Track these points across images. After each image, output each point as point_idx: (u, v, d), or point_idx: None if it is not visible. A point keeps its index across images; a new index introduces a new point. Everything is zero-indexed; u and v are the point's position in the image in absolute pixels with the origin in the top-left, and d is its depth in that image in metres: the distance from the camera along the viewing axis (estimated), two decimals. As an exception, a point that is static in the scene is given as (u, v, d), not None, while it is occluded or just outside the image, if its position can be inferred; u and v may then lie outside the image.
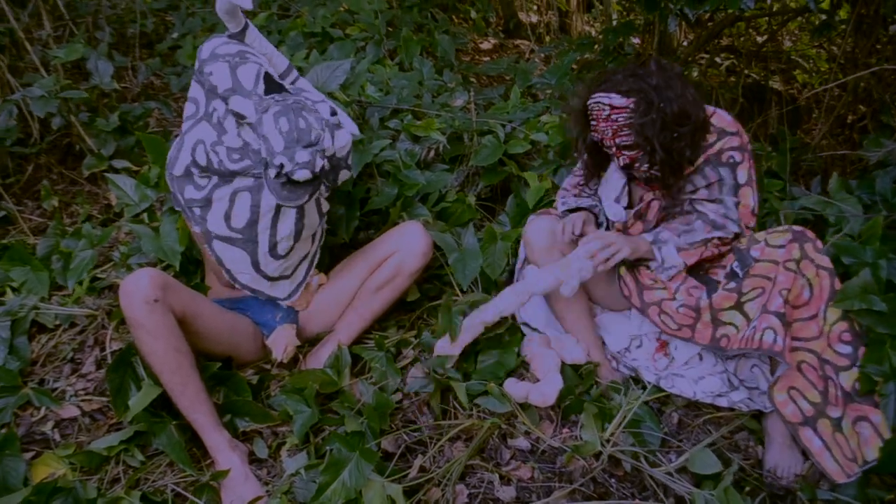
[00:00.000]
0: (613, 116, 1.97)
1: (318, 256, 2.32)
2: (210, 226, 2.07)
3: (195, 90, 2.12)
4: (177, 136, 2.20)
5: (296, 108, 1.91)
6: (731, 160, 2.09)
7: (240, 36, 2.17)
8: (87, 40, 3.88)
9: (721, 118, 2.12)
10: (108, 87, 2.99)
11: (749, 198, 2.11)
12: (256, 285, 2.19)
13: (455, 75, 3.51)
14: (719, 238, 2.09)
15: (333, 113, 2.09)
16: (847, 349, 1.95)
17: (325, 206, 2.22)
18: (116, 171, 2.97)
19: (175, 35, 4.40)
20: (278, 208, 2.05)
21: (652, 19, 3.34)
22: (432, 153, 2.74)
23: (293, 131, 1.86)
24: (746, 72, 4.43)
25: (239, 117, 1.97)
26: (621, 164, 2.09)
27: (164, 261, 2.29)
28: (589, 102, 2.02)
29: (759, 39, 4.48)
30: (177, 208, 2.11)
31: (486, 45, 5.14)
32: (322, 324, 2.37)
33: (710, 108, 2.12)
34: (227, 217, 2.06)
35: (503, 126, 2.80)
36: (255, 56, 2.11)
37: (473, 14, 5.15)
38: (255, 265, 2.13)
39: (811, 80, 4.42)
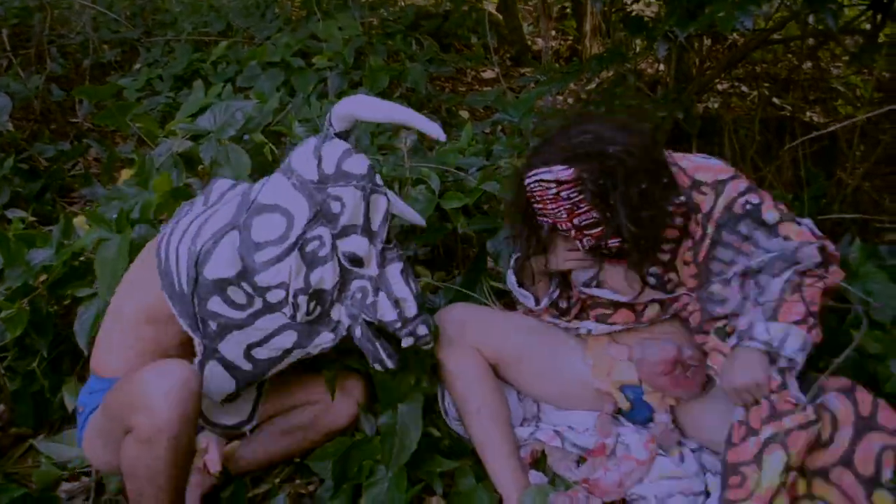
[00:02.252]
0: (564, 194, 1.53)
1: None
2: (222, 346, 1.55)
3: (293, 201, 1.54)
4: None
5: (407, 263, 1.62)
6: (748, 206, 1.54)
7: (346, 135, 1.68)
8: (32, 72, 3.60)
9: (707, 168, 1.60)
10: (1, 126, 2.59)
11: (793, 228, 1.52)
12: (219, 419, 1.68)
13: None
14: (804, 273, 1.48)
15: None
16: None
17: None
18: (9, 221, 2.57)
19: (138, 66, 4.07)
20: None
21: (653, 45, 2.80)
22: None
23: (418, 294, 1.60)
24: (779, 102, 3.85)
25: (353, 262, 1.56)
26: (586, 247, 1.61)
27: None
28: (527, 183, 1.58)
29: (804, 66, 3.89)
30: (165, 293, 1.50)
31: (488, 75, 4.67)
32: None
33: (690, 159, 1.62)
34: (252, 346, 1.57)
35: (441, 174, 2.28)
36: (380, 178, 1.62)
37: (474, 41, 4.69)
38: (232, 396, 1.64)
39: (857, 113, 3.80)
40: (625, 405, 1.71)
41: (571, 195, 1.52)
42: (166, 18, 4.92)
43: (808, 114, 3.79)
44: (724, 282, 1.58)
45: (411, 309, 1.57)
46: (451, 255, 2.40)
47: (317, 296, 1.53)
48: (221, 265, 1.47)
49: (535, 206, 1.60)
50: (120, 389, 1.41)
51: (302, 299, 1.51)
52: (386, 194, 1.59)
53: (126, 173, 2.50)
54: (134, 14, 4.96)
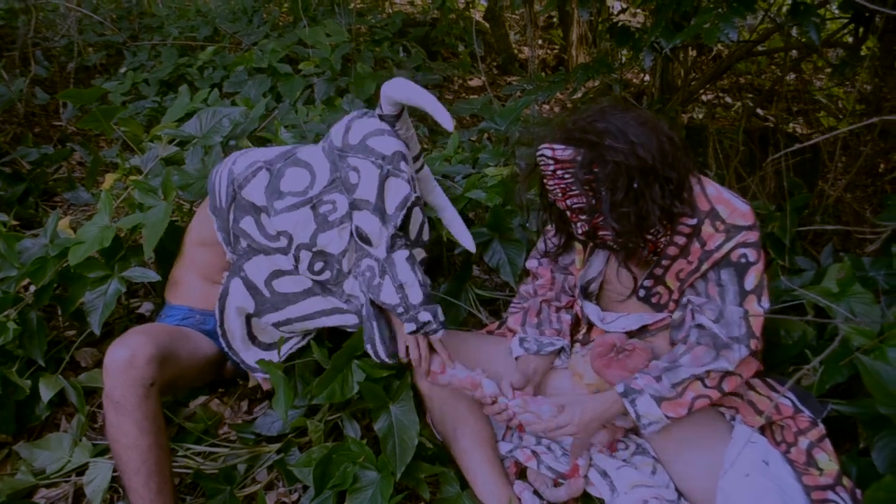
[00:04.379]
0: (559, 172, 1.52)
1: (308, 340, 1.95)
2: (247, 268, 1.75)
3: (319, 163, 1.66)
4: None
5: (415, 255, 1.66)
6: (743, 259, 1.56)
7: (392, 119, 1.70)
8: (16, 75, 3.57)
9: (733, 209, 1.57)
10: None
11: (755, 308, 1.58)
12: (233, 335, 1.86)
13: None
14: (719, 374, 1.55)
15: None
16: None
17: None
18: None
19: (124, 70, 4.05)
20: (331, 314, 1.76)
21: (640, 55, 2.81)
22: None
23: (425, 284, 1.62)
24: (763, 113, 3.89)
25: (362, 239, 1.63)
26: (580, 231, 1.59)
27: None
28: (536, 155, 1.57)
29: (787, 78, 3.92)
30: (210, 212, 1.77)
31: (475, 83, 4.68)
32: None
33: (719, 190, 1.60)
34: (273, 276, 1.74)
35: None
36: (407, 164, 1.65)
37: (462, 49, 4.70)
38: (249, 316, 1.84)
39: (840, 124, 3.83)
40: None
41: (565, 176, 1.52)
42: (153, 22, 4.90)
43: (791, 125, 3.82)
44: (683, 307, 1.63)
45: (416, 296, 1.58)
46: (436, 263, 2.40)
47: (322, 257, 1.62)
48: (256, 194, 1.66)
49: (543, 180, 1.60)
50: None
51: (305, 255, 1.62)
52: (410, 183, 1.61)
53: (110, 178, 2.48)
54: (120, 17, 4.94)
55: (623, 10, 3.99)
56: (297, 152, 1.71)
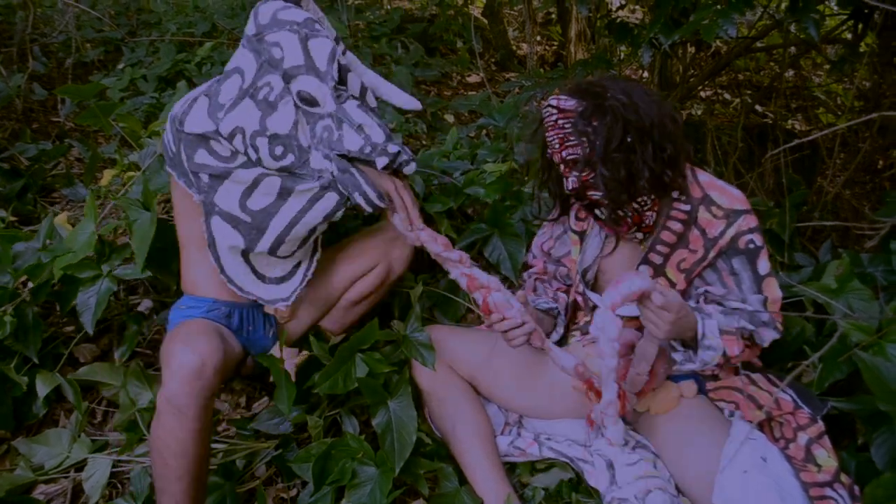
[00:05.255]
0: (561, 122, 1.56)
1: (316, 259, 1.94)
2: (217, 200, 1.71)
3: (244, 59, 1.66)
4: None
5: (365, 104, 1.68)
6: (751, 245, 1.60)
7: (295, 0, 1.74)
8: (14, 71, 3.56)
9: (728, 195, 1.61)
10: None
11: (775, 291, 1.62)
12: (241, 279, 1.82)
13: (397, 115, 3.00)
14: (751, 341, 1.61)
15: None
16: None
17: None
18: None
19: (122, 66, 4.04)
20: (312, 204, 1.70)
21: (639, 52, 2.81)
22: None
23: (384, 126, 1.63)
24: (761, 110, 3.89)
25: (307, 102, 1.62)
26: (570, 186, 1.59)
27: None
28: (542, 110, 1.62)
29: (786, 75, 3.91)
30: (168, 168, 1.74)
31: (473, 79, 4.68)
32: (293, 333, 2.01)
33: (711, 177, 1.64)
34: (244, 197, 1.71)
35: (426, 178, 2.28)
36: (323, 28, 1.68)
37: (460, 45, 4.70)
38: (245, 254, 1.79)
39: (839, 121, 3.83)
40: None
41: (566, 126, 1.55)
42: (151, 18, 4.88)
43: (789, 122, 3.83)
44: (695, 298, 1.64)
45: (378, 135, 1.60)
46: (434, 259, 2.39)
47: (278, 140, 1.61)
48: (197, 122, 1.63)
49: (546, 136, 1.61)
50: (165, 342, 1.60)
51: (261, 141, 1.60)
52: (329, 38, 1.62)
53: (108, 174, 2.48)
54: (118, 13, 4.93)
55: (622, 7, 3.99)
56: (225, 69, 1.71)
